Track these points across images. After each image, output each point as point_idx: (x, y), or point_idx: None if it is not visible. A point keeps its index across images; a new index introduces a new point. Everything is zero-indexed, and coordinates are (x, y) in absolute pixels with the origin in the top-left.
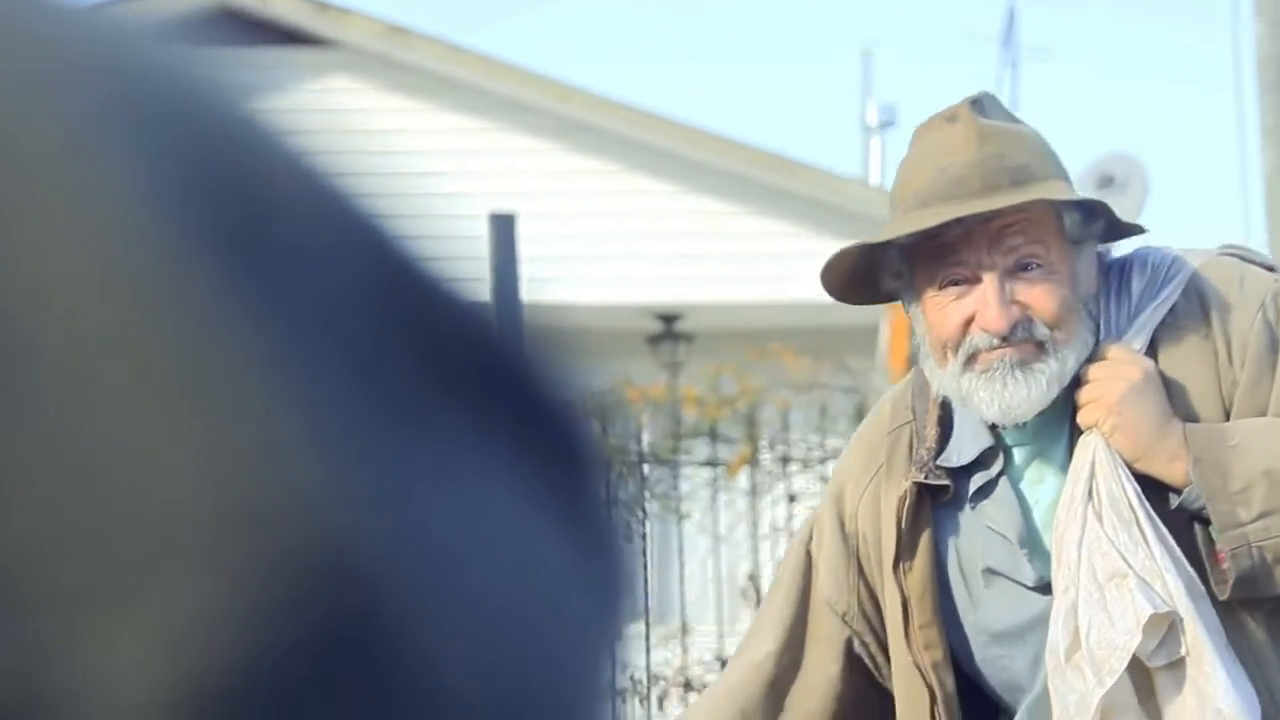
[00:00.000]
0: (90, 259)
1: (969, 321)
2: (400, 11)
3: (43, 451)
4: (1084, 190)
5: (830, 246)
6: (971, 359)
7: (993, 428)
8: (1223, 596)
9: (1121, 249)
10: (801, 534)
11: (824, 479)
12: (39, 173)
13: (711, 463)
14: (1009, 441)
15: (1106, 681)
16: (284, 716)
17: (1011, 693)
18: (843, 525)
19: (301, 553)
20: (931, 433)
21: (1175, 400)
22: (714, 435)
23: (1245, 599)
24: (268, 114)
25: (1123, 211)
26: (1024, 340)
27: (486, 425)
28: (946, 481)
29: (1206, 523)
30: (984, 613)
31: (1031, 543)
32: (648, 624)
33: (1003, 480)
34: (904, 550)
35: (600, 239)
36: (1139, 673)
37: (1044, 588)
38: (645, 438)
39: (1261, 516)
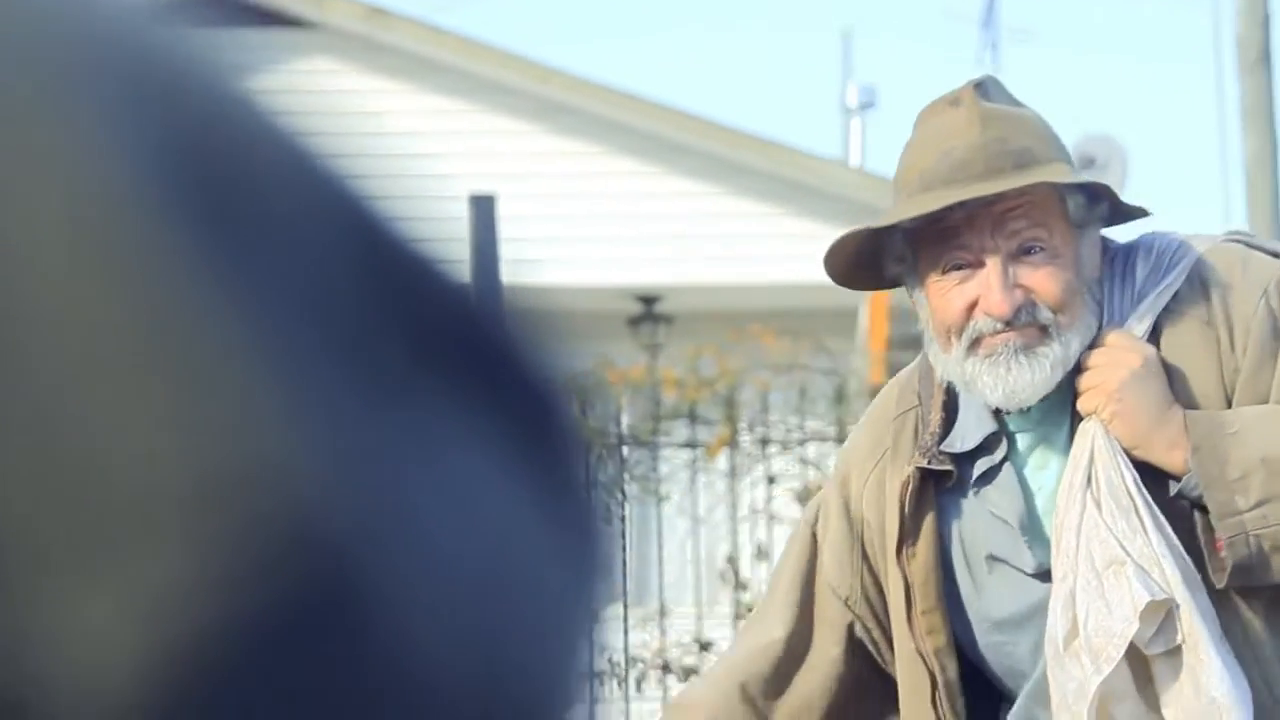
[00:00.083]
0: (68, 230)
1: (972, 306)
2: None
3: (18, 420)
4: None
5: (810, 228)
6: (975, 343)
7: (997, 413)
8: (1220, 585)
9: (1127, 234)
10: (807, 515)
11: (803, 460)
12: (17, 146)
13: (691, 444)
14: (1013, 427)
15: (1104, 669)
16: (259, 682)
17: (1013, 679)
18: (848, 509)
19: (277, 520)
20: (936, 417)
21: (1176, 387)
22: (693, 417)
23: (1242, 588)
24: (247, 88)
25: None
26: (1027, 324)
27: (464, 398)
28: (950, 467)
29: (1205, 510)
30: (987, 600)
31: (1033, 529)
32: (626, 606)
33: (1006, 466)
34: (907, 535)
35: (580, 220)
36: (1137, 660)
37: (1044, 574)
38: (624, 419)
39: (1259, 505)
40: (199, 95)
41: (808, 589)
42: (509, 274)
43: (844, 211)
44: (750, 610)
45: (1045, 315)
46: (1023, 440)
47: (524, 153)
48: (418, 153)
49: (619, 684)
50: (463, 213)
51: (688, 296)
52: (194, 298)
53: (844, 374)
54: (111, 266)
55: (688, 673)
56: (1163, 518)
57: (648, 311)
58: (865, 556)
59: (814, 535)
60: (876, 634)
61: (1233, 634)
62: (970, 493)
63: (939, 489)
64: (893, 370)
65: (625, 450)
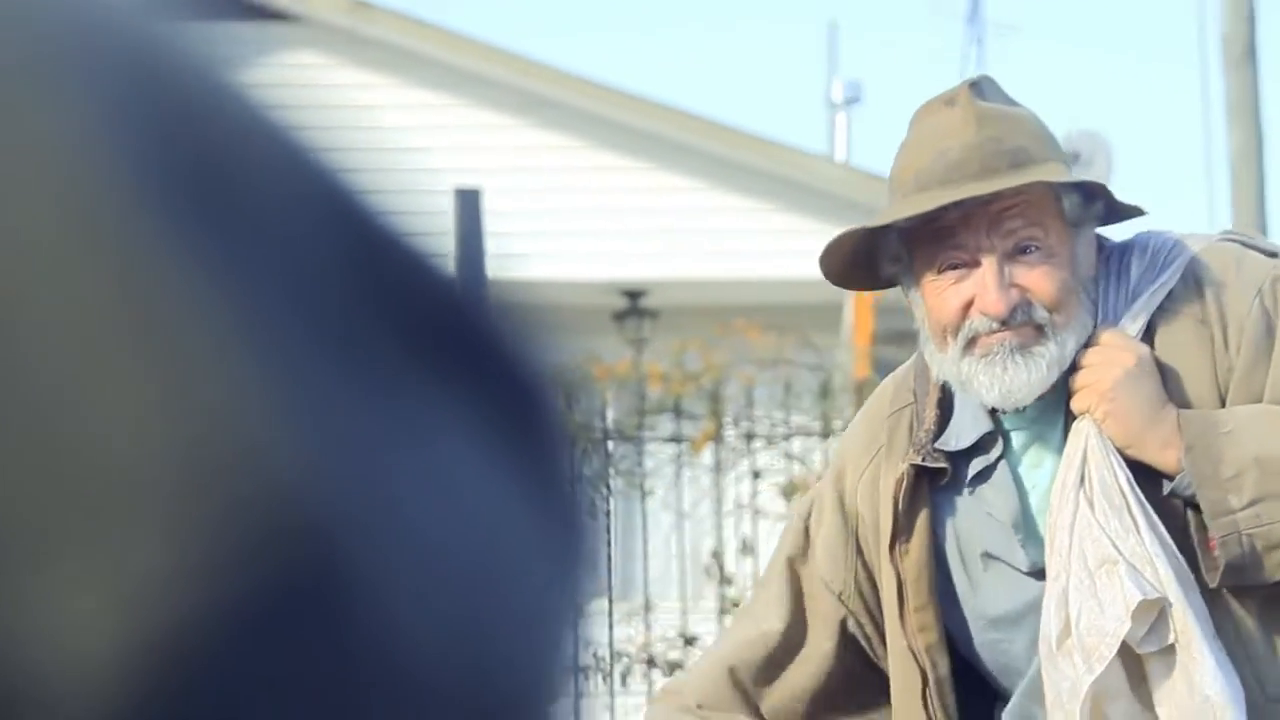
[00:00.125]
0: (52, 217)
1: (968, 305)
2: None
3: (1, 404)
4: None
5: (795, 223)
6: (971, 343)
7: (992, 412)
8: (1213, 583)
9: (1122, 233)
10: (800, 508)
11: (788, 455)
12: (3, 132)
13: (676, 439)
14: (1007, 425)
15: (1096, 669)
16: (243, 669)
17: (1008, 676)
18: (843, 504)
19: (261, 507)
20: (931, 415)
21: (1170, 386)
22: (678, 411)
23: (1235, 587)
24: (235, 78)
25: None
26: (1023, 323)
27: (451, 388)
28: (944, 464)
29: (1199, 509)
30: (982, 597)
31: (1027, 528)
32: (611, 600)
33: (1001, 465)
34: (900, 532)
35: (565, 215)
36: (1130, 658)
37: (1039, 573)
38: (610, 414)
39: (1252, 504)
40: (186, 84)
41: (799, 583)
42: (494, 268)
43: (829, 207)
44: (735, 605)
45: (1041, 314)
46: (1017, 438)
47: (509, 147)
48: (402, 146)
49: (604, 679)
50: (448, 206)
51: (673, 291)
52: (180, 285)
53: (829, 369)
54: (96, 253)
55: (672, 667)
56: (1155, 517)
57: (633, 306)
58: (860, 551)
59: (806, 529)
60: (869, 629)
61: (1225, 632)
62: (965, 491)
63: (933, 486)
64: (877, 365)
65: (610, 444)
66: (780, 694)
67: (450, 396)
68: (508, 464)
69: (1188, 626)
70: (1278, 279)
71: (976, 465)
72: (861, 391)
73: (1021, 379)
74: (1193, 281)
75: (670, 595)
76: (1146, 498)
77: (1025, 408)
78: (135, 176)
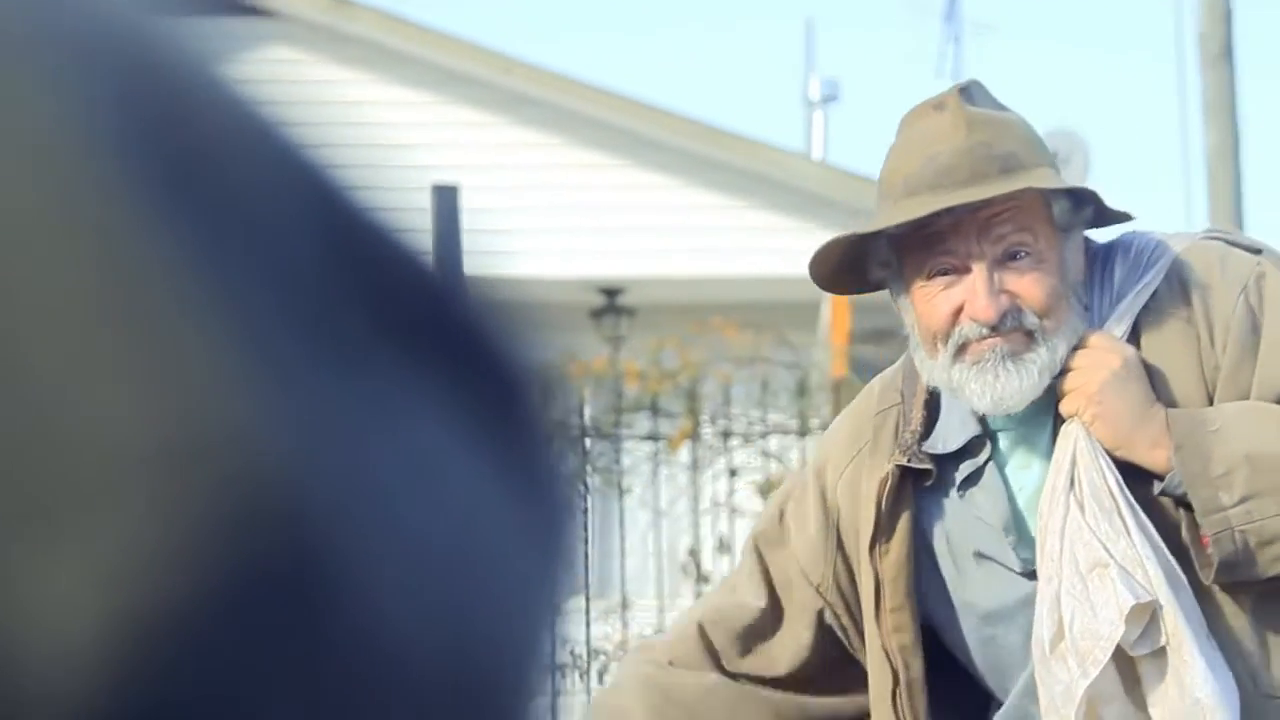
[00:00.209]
0: (28, 195)
1: (958, 311)
2: None
3: None
4: None
5: (772, 221)
6: (962, 349)
7: (980, 415)
8: (1208, 581)
9: (1104, 234)
10: (780, 494)
11: (765, 453)
12: None
13: (653, 437)
14: (994, 427)
15: (1091, 672)
16: (221, 649)
17: (1001, 676)
18: (824, 497)
19: (238, 487)
20: (918, 416)
21: (1158, 386)
22: (655, 409)
23: (1227, 585)
24: (209, 61)
25: None
26: (1013, 329)
27: (429, 372)
28: (929, 466)
29: (1190, 508)
30: (974, 592)
31: (1018, 529)
32: (588, 598)
33: (990, 467)
34: (882, 532)
35: (542, 212)
36: (1124, 661)
37: (1032, 574)
38: (587, 411)
39: (1243, 501)
40: (167, 74)
41: (768, 567)
42: (472, 265)
43: (806, 205)
44: None
45: (1031, 320)
46: (1004, 440)
47: (487, 144)
48: (380, 143)
49: (581, 676)
50: (425, 203)
51: (650, 289)
52: (156, 265)
53: (806, 367)
54: (72, 232)
55: None
56: (1145, 518)
57: (610, 304)
58: (840, 545)
59: (782, 514)
60: (846, 621)
61: (1218, 630)
62: (954, 494)
63: (917, 488)
64: (854, 364)
65: (587, 442)
66: (755, 665)
67: (428, 379)
68: (488, 451)
69: (1178, 629)
70: (1261, 276)
71: (965, 469)
72: (839, 390)
73: (1013, 386)
74: (1177, 281)
75: (647, 593)
76: (1136, 499)
77: None
78: (117, 163)
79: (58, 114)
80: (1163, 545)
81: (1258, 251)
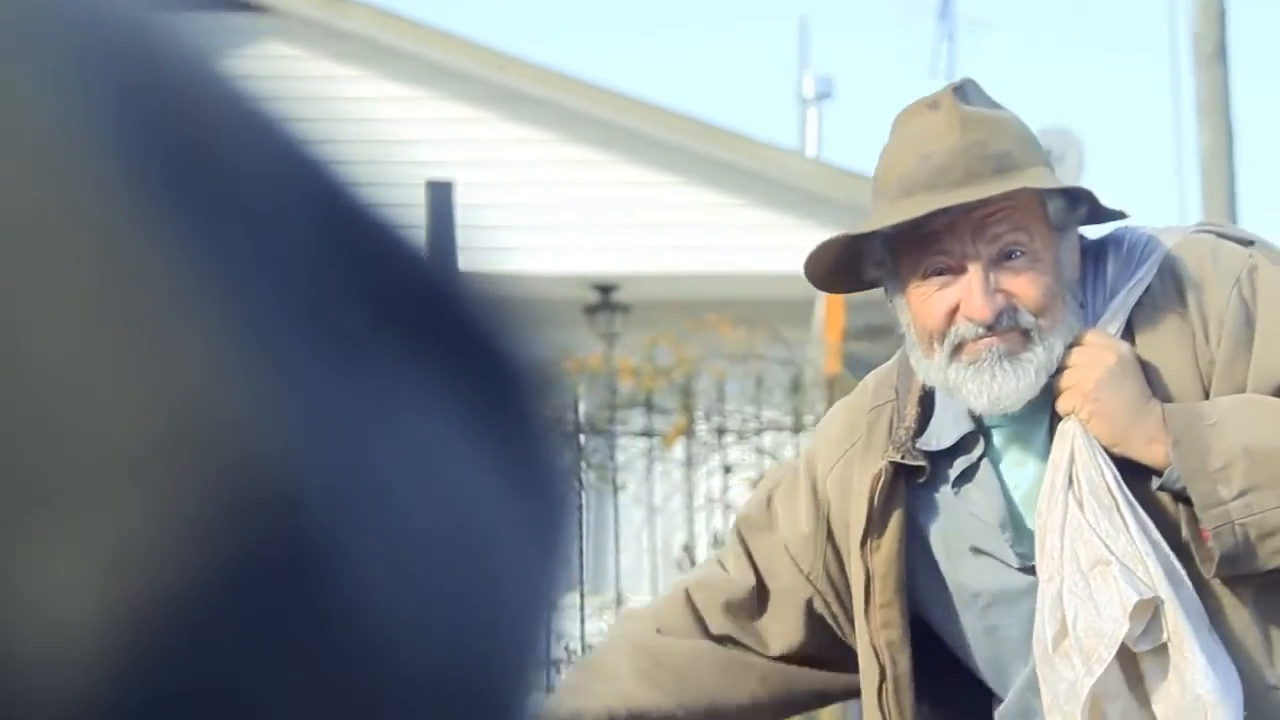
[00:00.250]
0: (26, 187)
1: (954, 311)
2: None
3: None
4: None
5: (766, 218)
6: (958, 349)
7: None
8: (1209, 574)
9: (1096, 229)
10: (770, 479)
11: (760, 450)
12: None
13: (647, 433)
14: (989, 424)
15: (1095, 670)
16: (219, 638)
17: (1001, 670)
18: (815, 488)
19: (238, 477)
20: (912, 413)
21: (1153, 382)
22: (650, 406)
23: (1227, 579)
24: (207, 54)
25: None
26: (1009, 329)
27: (427, 363)
28: (923, 463)
29: (1189, 503)
30: (970, 578)
31: (1014, 526)
32: (582, 594)
33: (984, 464)
34: (874, 528)
35: (537, 209)
36: (1126, 658)
37: (1029, 569)
38: (581, 408)
39: (1243, 494)
40: (160, 61)
41: (751, 550)
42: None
43: (800, 202)
44: None
45: (1027, 319)
46: (999, 436)
47: (481, 140)
48: (374, 139)
49: None
50: (420, 199)
51: (645, 285)
52: (155, 255)
53: (800, 364)
54: (72, 223)
55: None
56: (1145, 515)
57: (604, 300)
58: (830, 536)
59: (769, 500)
60: (836, 608)
61: (1219, 624)
62: (947, 490)
63: (910, 484)
64: (848, 360)
65: (582, 439)
66: (744, 638)
67: (431, 377)
68: (486, 444)
69: (1179, 625)
70: (1254, 269)
71: (959, 465)
72: (833, 386)
73: (1010, 386)
74: (1169, 276)
75: (642, 589)
76: (1135, 495)
77: None
78: (117, 156)
79: (58, 105)
80: (1162, 541)
81: (1249, 243)
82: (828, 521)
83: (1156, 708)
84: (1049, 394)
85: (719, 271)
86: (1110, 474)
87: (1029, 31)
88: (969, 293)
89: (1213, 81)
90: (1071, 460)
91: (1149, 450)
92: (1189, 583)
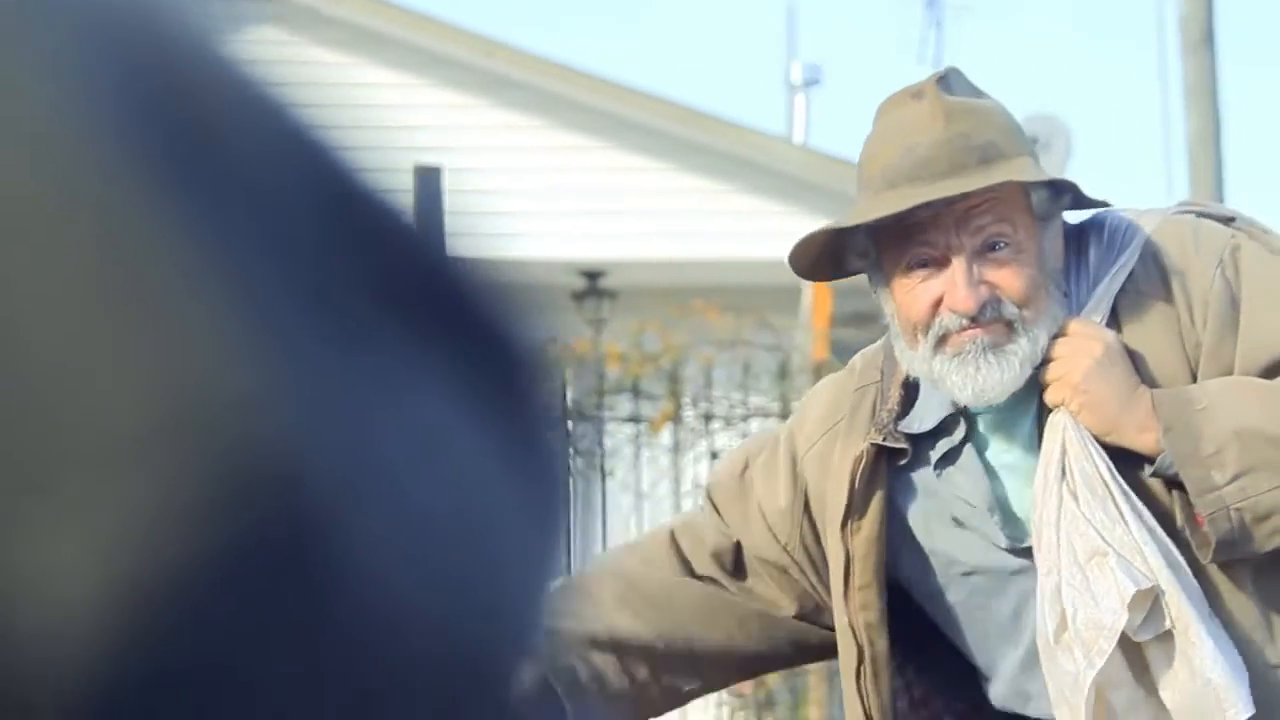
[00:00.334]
0: (29, 167)
1: (937, 303)
2: None
3: None
4: None
5: (754, 204)
6: (942, 340)
7: None
8: (1205, 560)
9: (1076, 214)
10: (751, 446)
11: (747, 436)
12: None
13: (634, 419)
14: (974, 410)
15: (1097, 662)
16: (220, 616)
17: (990, 652)
18: (794, 462)
19: (239, 456)
20: (895, 395)
21: (1141, 368)
22: (637, 392)
23: (1225, 563)
24: (210, 34)
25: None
26: (993, 320)
27: (431, 345)
28: (905, 445)
29: (1183, 488)
30: (950, 545)
31: (1002, 510)
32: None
33: (967, 448)
34: (854, 510)
35: (524, 194)
36: (1130, 647)
37: (1019, 551)
38: (569, 394)
39: (1236, 478)
40: (161, 42)
41: (731, 519)
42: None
43: (788, 188)
44: None
45: (1010, 310)
46: (983, 422)
47: (469, 126)
48: (362, 124)
49: None
50: (408, 185)
51: (632, 271)
52: (157, 237)
53: (787, 350)
54: (72, 206)
55: None
56: (1140, 504)
57: (592, 286)
58: (807, 509)
59: (745, 467)
60: (813, 578)
61: (1218, 608)
62: (929, 473)
63: (891, 466)
64: (836, 347)
65: (569, 424)
66: (726, 581)
67: (433, 358)
68: (489, 425)
69: (1183, 611)
70: (1236, 248)
71: (941, 448)
72: (820, 373)
73: (994, 378)
74: (1152, 261)
75: None
76: (1128, 483)
77: None
78: (118, 137)
79: (59, 88)
80: (1159, 529)
81: (1230, 220)
82: (805, 496)
83: (1164, 694)
84: (1034, 383)
85: (706, 258)
86: (1103, 464)
87: (1016, 17)
88: (953, 285)
89: (1200, 67)
90: (1063, 452)
91: (1140, 438)
92: (1188, 569)
